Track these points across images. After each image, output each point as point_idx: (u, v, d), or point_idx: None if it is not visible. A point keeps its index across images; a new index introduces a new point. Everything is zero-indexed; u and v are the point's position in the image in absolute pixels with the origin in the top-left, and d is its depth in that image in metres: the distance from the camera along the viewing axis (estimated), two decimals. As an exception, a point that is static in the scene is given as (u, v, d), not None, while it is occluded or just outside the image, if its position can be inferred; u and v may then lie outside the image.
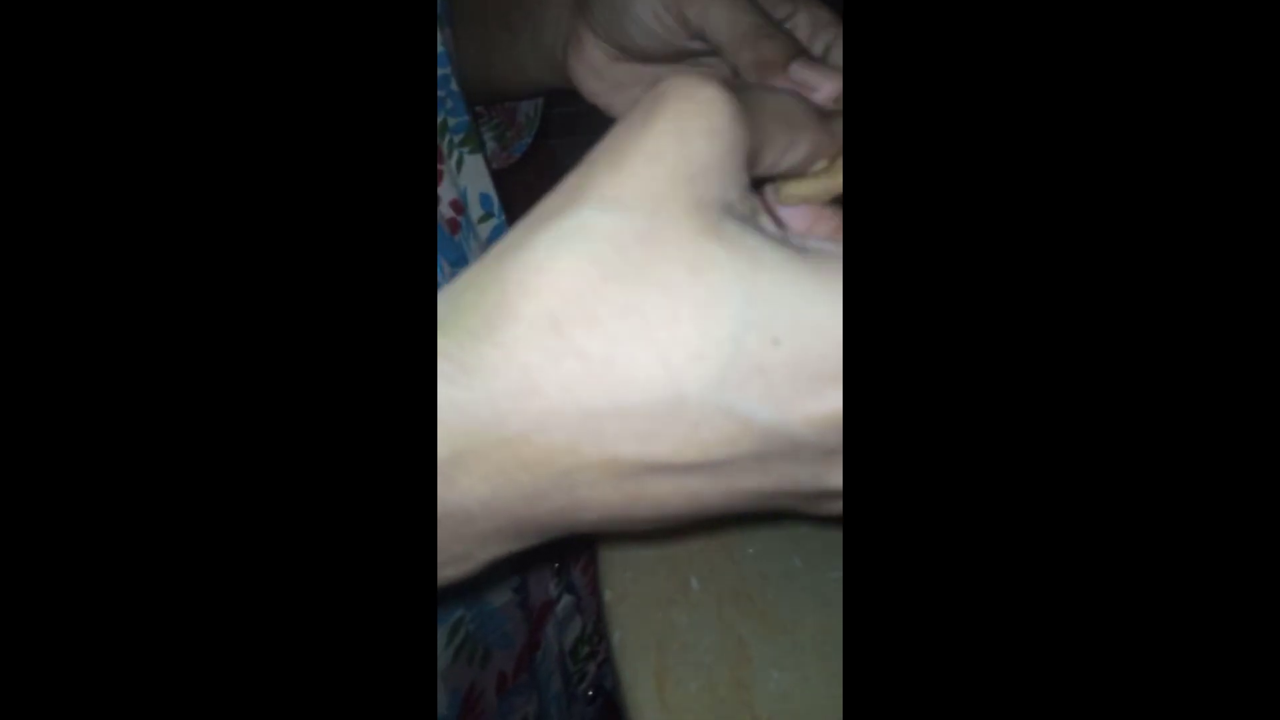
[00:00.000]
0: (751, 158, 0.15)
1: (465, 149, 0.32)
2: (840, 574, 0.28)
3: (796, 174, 0.19)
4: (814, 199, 0.20)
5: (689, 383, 0.13)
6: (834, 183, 0.20)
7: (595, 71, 0.30)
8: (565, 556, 0.41)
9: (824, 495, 0.15)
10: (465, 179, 0.32)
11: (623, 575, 0.29)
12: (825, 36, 0.27)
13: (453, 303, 0.14)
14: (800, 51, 0.25)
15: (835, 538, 0.30)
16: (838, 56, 0.27)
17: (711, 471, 0.14)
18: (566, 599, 0.41)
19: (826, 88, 0.23)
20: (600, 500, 0.14)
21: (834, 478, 0.14)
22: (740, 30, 0.25)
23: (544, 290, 0.13)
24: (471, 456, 0.13)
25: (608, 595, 0.28)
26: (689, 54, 0.29)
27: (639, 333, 0.13)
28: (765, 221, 0.15)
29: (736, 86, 0.15)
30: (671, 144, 0.13)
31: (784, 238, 0.14)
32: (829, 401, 0.13)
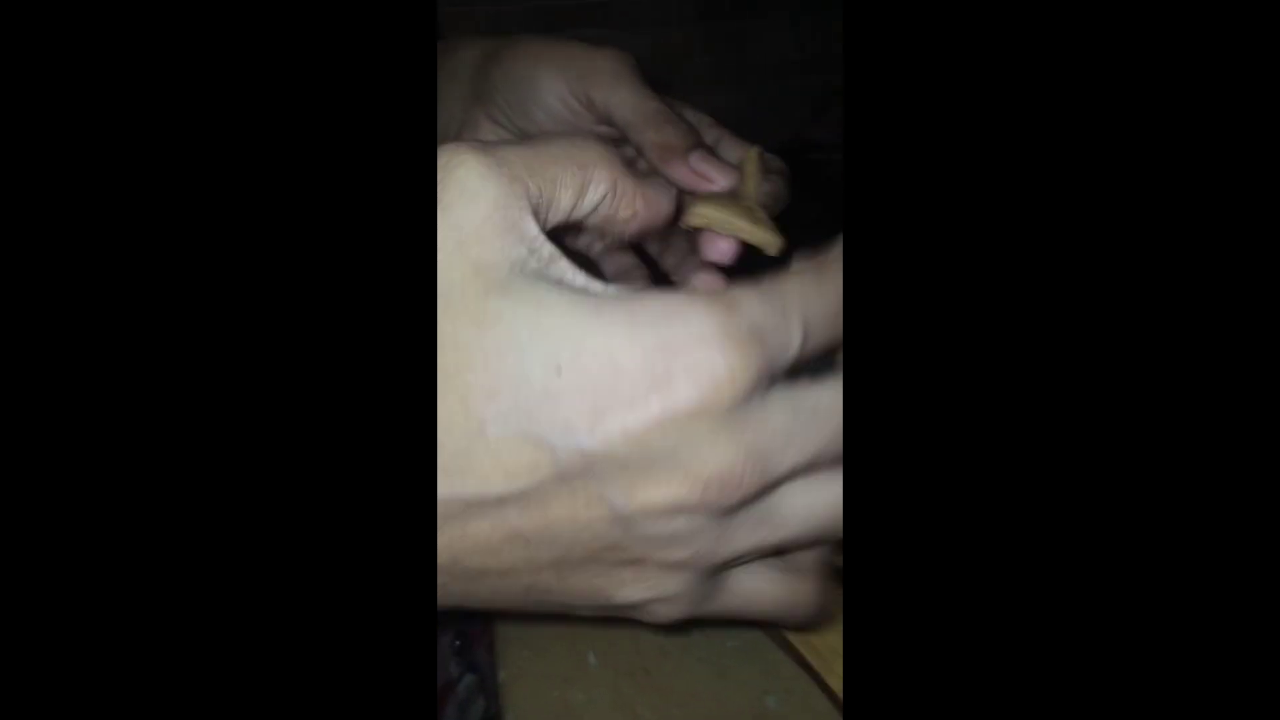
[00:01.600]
0: (542, 205, 0.16)
1: None
2: (737, 642, 0.29)
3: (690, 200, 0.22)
4: (714, 226, 0.23)
5: (487, 419, 0.14)
6: (724, 216, 0.23)
7: None
8: (469, 633, 0.39)
9: (637, 519, 0.15)
10: None
11: (520, 653, 0.29)
12: (713, 134, 0.30)
13: None
14: (701, 143, 0.26)
15: (734, 606, 0.31)
16: (725, 150, 0.29)
17: (522, 502, 0.15)
18: (469, 678, 0.39)
19: (721, 182, 0.25)
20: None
21: (646, 493, 0.15)
22: (645, 113, 0.27)
23: None
24: None
25: (503, 675, 0.28)
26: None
27: (441, 384, 0.14)
28: (564, 267, 0.16)
29: (519, 140, 0.16)
30: (442, 218, 0.15)
31: (578, 283, 0.16)
32: (613, 418, 0.14)
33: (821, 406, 0.16)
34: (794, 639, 0.27)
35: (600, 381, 0.14)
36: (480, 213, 0.15)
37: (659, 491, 0.15)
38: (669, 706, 0.26)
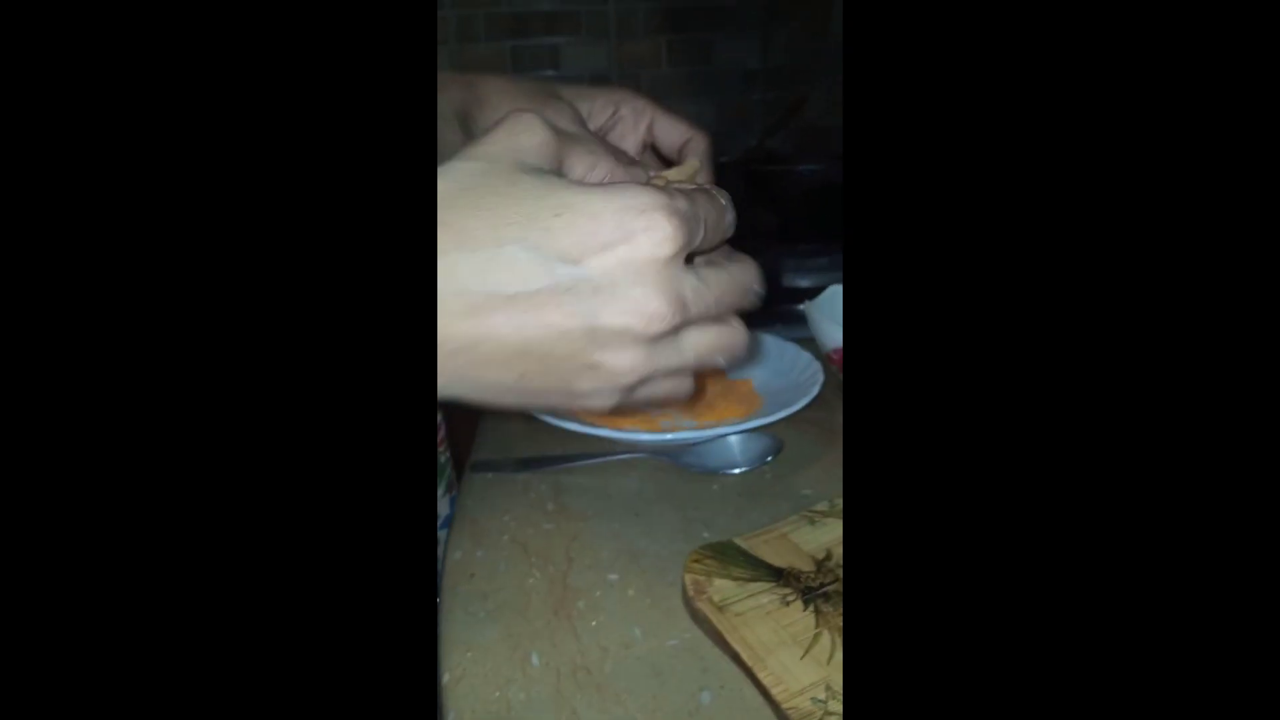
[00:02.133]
0: (561, 164, 0.26)
1: None
2: (677, 641, 0.30)
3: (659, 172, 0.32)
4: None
5: (507, 239, 0.22)
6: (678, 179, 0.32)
7: None
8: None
9: (599, 333, 0.23)
10: None
11: (464, 656, 0.29)
12: (645, 119, 0.39)
13: None
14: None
15: (676, 607, 0.32)
16: (661, 131, 0.39)
17: (526, 303, 0.22)
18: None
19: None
20: (457, 332, 0.22)
21: (609, 315, 0.22)
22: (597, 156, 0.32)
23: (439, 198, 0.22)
24: None
25: (446, 677, 0.28)
26: None
27: (480, 215, 0.22)
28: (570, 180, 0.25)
29: (561, 130, 0.26)
30: (504, 136, 0.24)
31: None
32: (593, 254, 0.22)
33: (712, 280, 0.25)
34: (729, 636, 0.28)
35: (586, 228, 0.22)
36: (532, 143, 0.24)
37: (617, 317, 0.22)
38: (607, 705, 0.27)
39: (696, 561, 0.33)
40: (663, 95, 1.20)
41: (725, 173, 0.71)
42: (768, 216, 0.72)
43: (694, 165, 0.35)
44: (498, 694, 0.27)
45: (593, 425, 0.44)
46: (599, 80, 1.29)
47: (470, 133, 0.38)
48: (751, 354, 0.56)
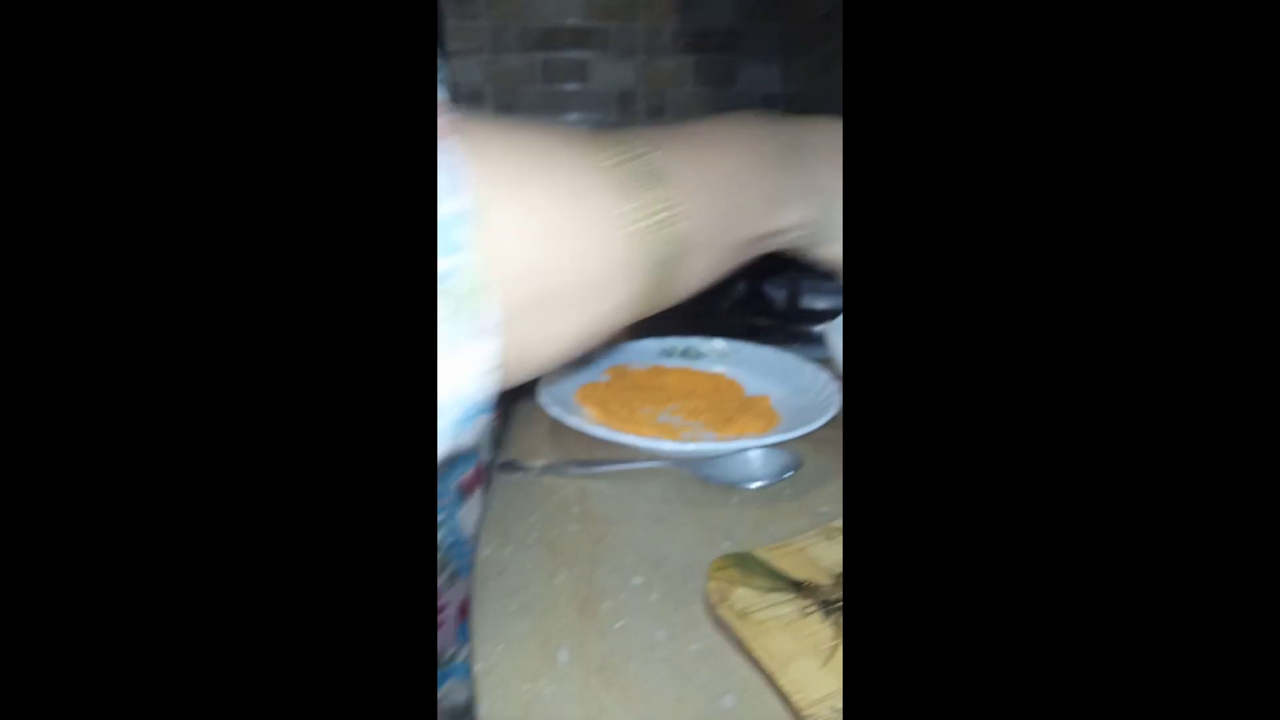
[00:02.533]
0: None
1: None
2: (700, 645, 0.31)
3: None
4: None
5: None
6: None
7: None
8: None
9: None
10: None
11: (494, 648, 0.30)
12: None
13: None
14: None
15: (699, 612, 0.33)
16: None
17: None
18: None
19: None
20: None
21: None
22: None
23: None
24: None
25: (478, 667, 0.29)
26: None
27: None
28: None
29: None
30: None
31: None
32: None
33: None
34: (750, 644, 0.29)
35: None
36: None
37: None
38: (633, 703, 0.28)
39: (719, 570, 0.34)
40: (688, 114, 1.22)
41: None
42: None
43: None
44: (527, 687, 0.28)
45: (617, 431, 0.45)
46: (625, 98, 1.31)
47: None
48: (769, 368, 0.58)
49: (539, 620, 0.32)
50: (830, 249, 0.35)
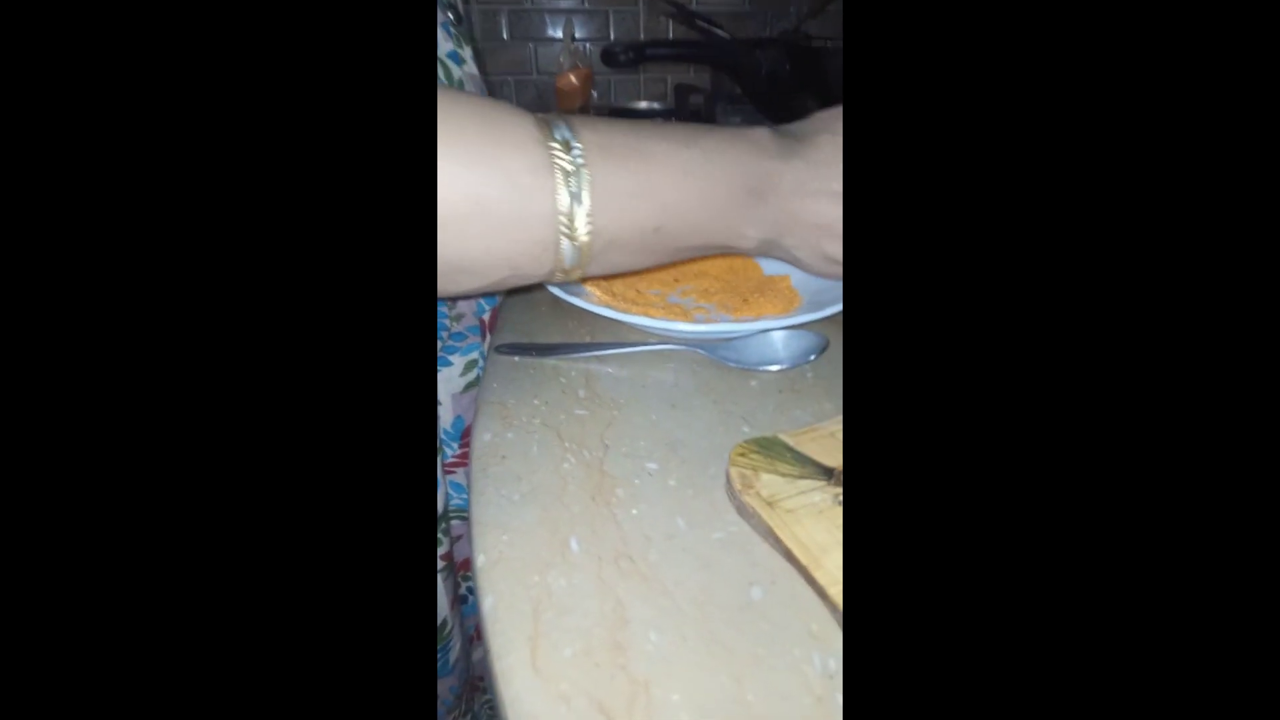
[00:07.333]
0: None
1: None
2: (723, 534, 0.28)
3: None
4: None
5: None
6: None
7: None
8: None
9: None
10: None
11: (499, 538, 0.28)
12: None
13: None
14: None
15: (720, 499, 0.30)
16: None
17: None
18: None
19: None
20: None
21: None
22: None
23: None
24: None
25: (480, 560, 0.27)
26: None
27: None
28: None
29: None
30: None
31: None
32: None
33: None
34: (781, 533, 0.27)
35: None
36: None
37: None
38: (653, 594, 0.25)
39: (741, 455, 0.31)
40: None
41: (766, 48, 0.65)
42: (809, 101, 0.66)
43: None
44: (537, 579, 0.26)
45: (625, 312, 0.41)
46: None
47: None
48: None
49: (547, 508, 0.29)
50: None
